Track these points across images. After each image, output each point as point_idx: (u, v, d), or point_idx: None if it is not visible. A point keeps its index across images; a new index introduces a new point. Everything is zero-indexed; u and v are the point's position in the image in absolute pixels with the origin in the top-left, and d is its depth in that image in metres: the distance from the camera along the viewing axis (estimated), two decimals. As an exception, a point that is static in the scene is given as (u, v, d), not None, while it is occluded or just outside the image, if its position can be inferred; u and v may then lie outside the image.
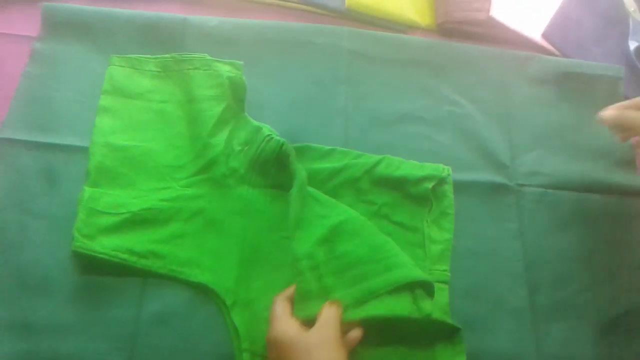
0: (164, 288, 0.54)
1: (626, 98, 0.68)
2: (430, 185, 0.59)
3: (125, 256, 0.53)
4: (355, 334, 0.49)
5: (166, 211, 0.56)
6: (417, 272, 0.50)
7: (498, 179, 0.63)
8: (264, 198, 0.58)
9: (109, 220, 0.54)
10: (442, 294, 0.56)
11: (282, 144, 0.57)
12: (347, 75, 0.67)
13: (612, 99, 0.68)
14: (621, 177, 0.65)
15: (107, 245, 0.53)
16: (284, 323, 0.47)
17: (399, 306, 0.48)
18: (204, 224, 0.56)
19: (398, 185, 0.59)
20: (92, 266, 0.53)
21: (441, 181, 0.60)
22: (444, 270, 0.57)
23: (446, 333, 0.51)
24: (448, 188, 0.61)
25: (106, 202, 0.55)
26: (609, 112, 0.55)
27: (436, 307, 0.52)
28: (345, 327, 0.48)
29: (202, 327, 0.53)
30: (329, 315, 0.47)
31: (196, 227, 0.56)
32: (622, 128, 0.56)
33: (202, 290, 0.54)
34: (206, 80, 0.62)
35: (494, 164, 0.63)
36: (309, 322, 0.47)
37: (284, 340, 0.45)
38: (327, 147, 0.61)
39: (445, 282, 0.56)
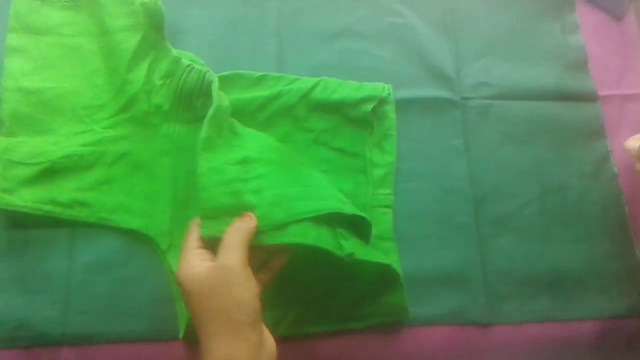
0: (94, 237, 0.52)
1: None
2: (369, 107, 0.56)
3: (49, 208, 0.51)
4: (280, 258, 0.45)
5: (88, 156, 0.52)
6: (346, 207, 0.46)
7: (442, 93, 0.59)
8: (192, 134, 0.54)
9: (28, 171, 0.51)
10: (386, 219, 0.54)
11: (205, 74, 0.52)
12: (279, -12, 0.61)
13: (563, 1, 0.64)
14: (573, 82, 0.61)
15: (28, 198, 0.50)
16: (188, 260, 0.40)
17: (322, 238, 0.44)
18: (130, 167, 0.53)
19: (336, 110, 0.56)
20: (16, 221, 0.51)
21: (382, 101, 0.57)
22: (387, 194, 0.55)
23: (377, 268, 0.48)
24: (389, 108, 0.57)
25: (24, 152, 0.52)
26: (634, 142, 0.54)
27: (375, 235, 0.51)
28: (268, 249, 0.44)
29: (138, 273, 0.51)
30: (231, 239, 0.40)
31: (122, 170, 0.53)
32: None
33: (135, 236, 0.52)
34: (118, 8, 0.56)
35: (438, 78, 0.60)
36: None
37: (183, 282, 0.39)
38: (259, 73, 0.57)
39: (388, 206, 0.55)
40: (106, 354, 0.50)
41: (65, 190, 0.51)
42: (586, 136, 0.60)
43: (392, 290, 0.50)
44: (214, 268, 0.39)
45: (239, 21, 0.60)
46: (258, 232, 0.42)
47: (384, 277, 0.49)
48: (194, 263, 0.40)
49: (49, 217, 0.51)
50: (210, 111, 0.46)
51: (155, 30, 0.56)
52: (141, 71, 0.54)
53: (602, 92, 0.61)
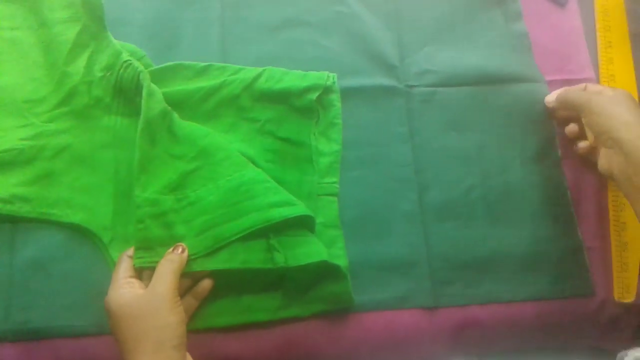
0: (36, 232, 0.51)
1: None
2: (314, 95, 0.56)
3: (-12, 203, 0.50)
4: (205, 284, 0.49)
5: (28, 151, 0.52)
6: (275, 213, 0.47)
7: (387, 81, 0.59)
8: (134, 127, 0.54)
9: (-34, 166, 0.50)
10: (332, 207, 0.55)
11: (139, 74, 0.52)
12: (222, -22, 0.61)
13: (509, -17, 0.64)
14: (517, 65, 0.61)
15: (-34, 194, 0.50)
16: (118, 288, 0.44)
17: (252, 257, 0.47)
18: (71, 160, 0.53)
19: (281, 99, 0.56)
20: (-45, 217, 0.50)
21: (327, 90, 0.57)
22: (333, 183, 0.55)
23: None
24: (335, 97, 0.58)
25: (-39, 147, 0.51)
26: (554, 93, 0.57)
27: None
28: (197, 275, 0.48)
29: (81, 268, 0.51)
30: (164, 269, 0.44)
31: (63, 164, 0.53)
32: (565, 106, 0.55)
33: (77, 230, 0.52)
34: (57, 0, 0.55)
35: (382, 67, 0.60)
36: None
37: (112, 308, 0.43)
38: (202, 64, 0.57)
39: (334, 195, 0.55)
40: (50, 350, 0.49)
41: (5, 185, 0.51)
42: (531, 119, 0.60)
43: (336, 278, 0.50)
44: (144, 295, 0.43)
45: (182, 11, 0.60)
46: (188, 260, 0.46)
47: (327, 266, 0.49)
48: (124, 291, 0.44)
49: (-12, 213, 0.50)
50: (140, 125, 0.49)
51: (95, 22, 0.55)
52: (81, 63, 0.54)
53: (546, 78, 0.62)
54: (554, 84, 0.61)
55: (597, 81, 0.62)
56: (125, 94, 0.53)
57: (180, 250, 0.46)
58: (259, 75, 0.56)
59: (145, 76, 0.51)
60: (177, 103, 0.54)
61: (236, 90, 0.56)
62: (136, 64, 0.53)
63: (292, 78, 0.57)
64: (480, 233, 0.56)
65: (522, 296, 0.54)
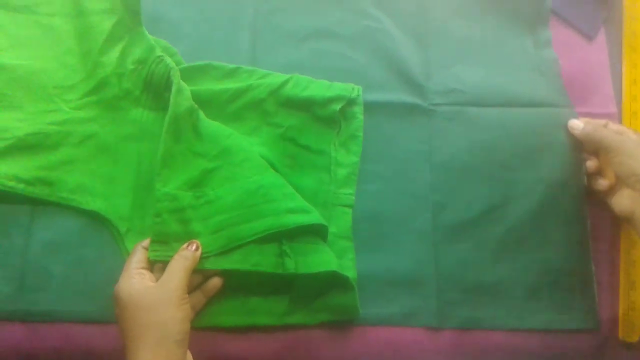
0: (54, 216, 0.52)
1: (554, 13, 0.65)
2: (338, 106, 0.56)
3: (11, 184, 0.51)
4: (215, 282, 0.50)
5: (54, 135, 0.53)
6: (290, 219, 0.48)
7: (411, 99, 0.60)
8: (160, 121, 0.55)
9: (-7, 146, 0.52)
10: (345, 218, 0.55)
11: (170, 70, 0.53)
12: (257, -14, 0.62)
13: (539, 12, 0.64)
14: (546, 90, 0.61)
15: (-9, 172, 0.51)
16: (129, 278, 0.45)
17: (264, 261, 0.48)
18: (95, 149, 0.54)
19: (305, 107, 0.57)
20: (-23, 194, 0.51)
21: (351, 102, 0.58)
22: (349, 194, 0.56)
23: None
24: (358, 109, 0.58)
25: (-11, 127, 0.52)
26: (581, 124, 0.56)
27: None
28: (207, 272, 0.49)
29: (95, 255, 0.52)
30: (176, 265, 0.45)
31: (87, 152, 0.54)
32: (591, 140, 0.55)
33: (94, 218, 0.52)
34: None
35: (408, 83, 0.60)
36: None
37: (121, 297, 0.43)
38: (232, 66, 0.58)
39: (349, 206, 0.56)
40: (59, 332, 0.50)
41: (29, 167, 0.52)
42: (560, 144, 0.58)
43: (344, 289, 0.51)
44: (154, 287, 0.44)
45: (216, 14, 0.61)
46: (202, 257, 0.47)
47: (336, 277, 0.50)
48: (134, 281, 0.44)
49: (10, 193, 0.51)
50: (166, 120, 0.50)
51: (132, 15, 0.56)
52: (114, 55, 0.55)
53: (569, 109, 0.62)
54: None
55: (620, 117, 0.62)
56: (155, 88, 0.54)
57: (194, 247, 0.47)
58: (286, 82, 0.57)
59: (176, 73, 0.52)
60: (204, 102, 0.55)
61: (262, 94, 0.56)
62: (168, 60, 0.54)
63: (317, 87, 0.57)
64: (491, 257, 0.55)
65: (528, 325, 0.54)
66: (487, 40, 0.63)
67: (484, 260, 0.56)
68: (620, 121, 0.62)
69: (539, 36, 0.64)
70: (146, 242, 0.48)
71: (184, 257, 0.46)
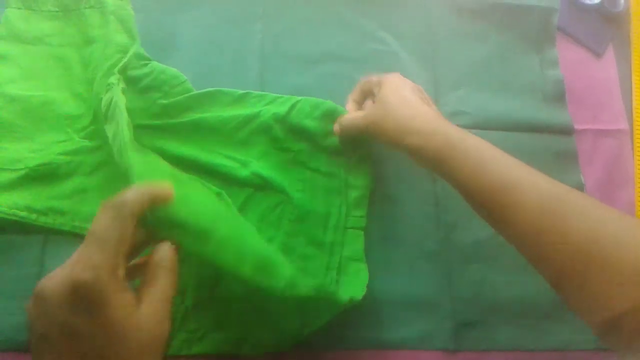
0: (67, 245, 0.52)
1: (560, 30, 0.66)
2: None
3: (24, 214, 0.51)
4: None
5: (66, 165, 0.53)
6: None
7: (420, 120, 0.60)
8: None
9: (5, 177, 0.52)
10: (358, 240, 0.55)
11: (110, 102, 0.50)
12: (264, 11, 0.63)
13: (546, 31, 0.65)
14: (550, 114, 0.62)
15: (4, 203, 0.51)
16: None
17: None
18: (106, 177, 0.54)
19: (309, 137, 0.57)
20: (-10, 225, 0.52)
21: (359, 125, 0.58)
22: (361, 217, 0.56)
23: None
24: (367, 133, 0.58)
25: (3, 158, 0.53)
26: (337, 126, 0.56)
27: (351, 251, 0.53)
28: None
29: (107, 284, 0.51)
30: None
31: (99, 181, 0.54)
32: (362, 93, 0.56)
33: (107, 246, 0.52)
34: (99, 19, 0.58)
35: (416, 105, 0.61)
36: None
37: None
38: (241, 91, 0.58)
39: (361, 229, 0.55)
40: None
41: (41, 197, 0.52)
42: (559, 168, 0.60)
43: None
44: None
45: (224, 41, 0.61)
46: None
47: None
48: None
49: (22, 223, 0.51)
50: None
51: (129, 33, 0.57)
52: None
53: (577, 126, 0.62)
54: (586, 134, 0.61)
55: (631, 133, 0.62)
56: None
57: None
58: (292, 108, 0.57)
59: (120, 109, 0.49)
60: (213, 129, 0.55)
61: (269, 121, 0.56)
62: (115, 90, 0.51)
63: (317, 120, 0.56)
64: (505, 278, 0.55)
65: (545, 345, 0.54)
66: (493, 61, 0.64)
67: (498, 281, 0.55)
68: (631, 137, 0.62)
69: (545, 55, 0.65)
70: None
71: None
